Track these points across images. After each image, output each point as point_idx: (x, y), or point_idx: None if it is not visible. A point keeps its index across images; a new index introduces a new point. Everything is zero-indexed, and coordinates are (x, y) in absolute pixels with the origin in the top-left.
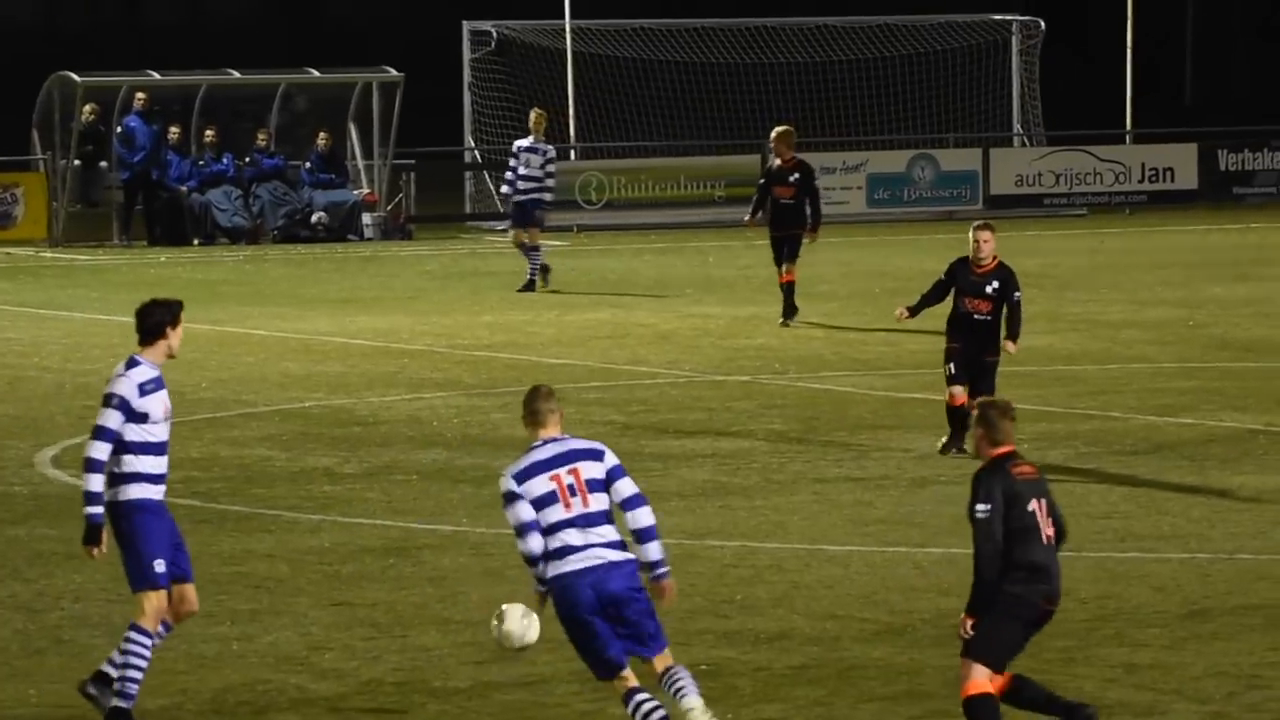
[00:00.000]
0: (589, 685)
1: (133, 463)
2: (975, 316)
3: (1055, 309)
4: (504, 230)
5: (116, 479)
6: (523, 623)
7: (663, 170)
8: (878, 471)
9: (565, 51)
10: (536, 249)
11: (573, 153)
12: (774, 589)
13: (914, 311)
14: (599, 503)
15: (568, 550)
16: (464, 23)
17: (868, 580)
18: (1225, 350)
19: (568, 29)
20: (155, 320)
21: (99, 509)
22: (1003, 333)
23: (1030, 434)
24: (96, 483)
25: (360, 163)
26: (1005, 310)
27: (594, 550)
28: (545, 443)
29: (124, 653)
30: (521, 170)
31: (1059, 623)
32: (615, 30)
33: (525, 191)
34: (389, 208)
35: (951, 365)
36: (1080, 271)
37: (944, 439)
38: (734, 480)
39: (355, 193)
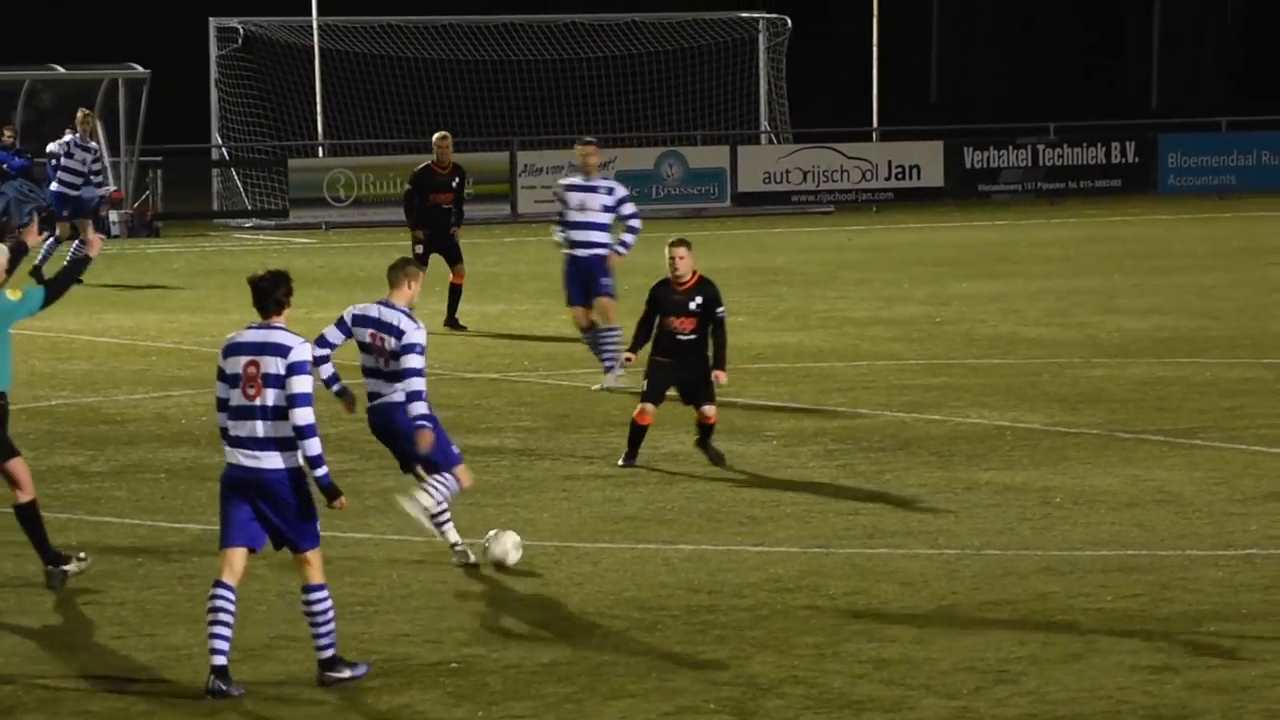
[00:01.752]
0: (336, 690)
1: None
2: (679, 336)
3: (803, 306)
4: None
5: None
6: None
7: (411, 167)
8: (627, 468)
9: (313, 48)
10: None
11: (320, 150)
12: (525, 586)
13: (635, 350)
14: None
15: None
16: (210, 19)
17: (618, 577)
18: (972, 347)
19: (315, 26)
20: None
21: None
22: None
23: (779, 431)
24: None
25: (107, 160)
26: (711, 328)
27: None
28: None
29: None
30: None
31: (808, 618)
32: (363, 27)
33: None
34: (135, 205)
35: (647, 382)
36: (828, 269)
37: (624, 453)
38: (484, 478)
39: (101, 190)
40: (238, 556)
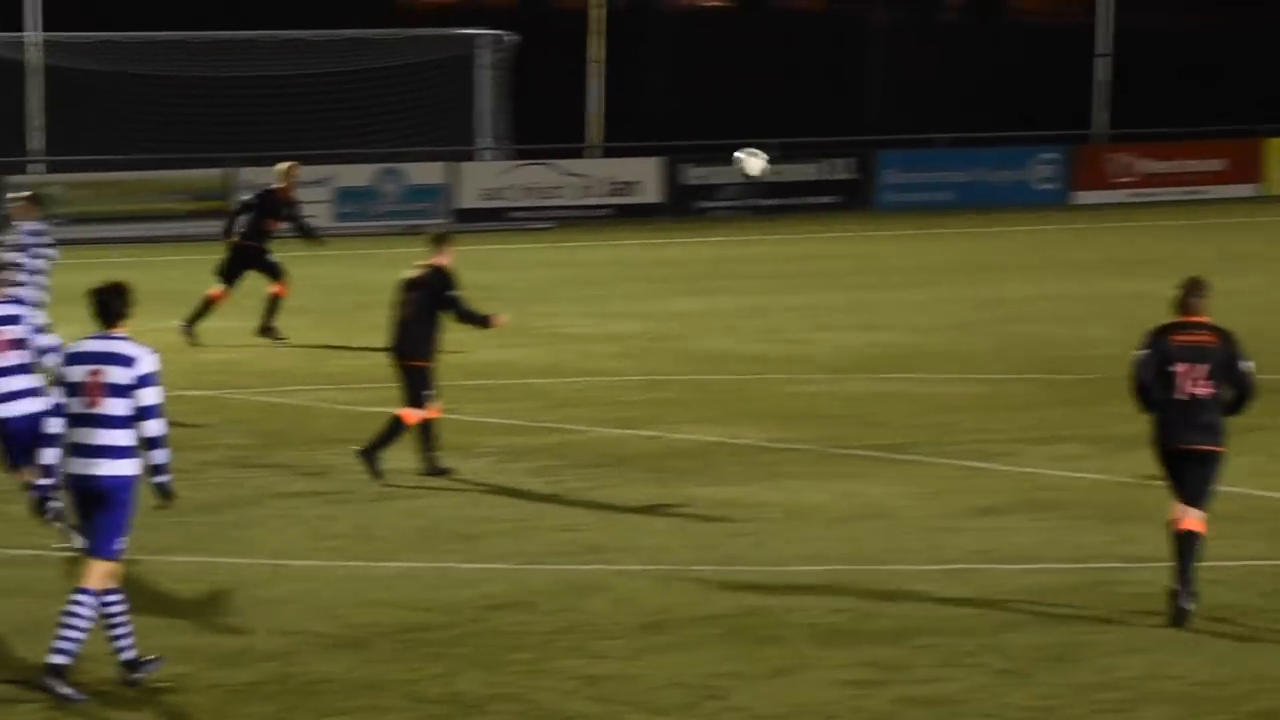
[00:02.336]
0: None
1: None
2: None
3: (520, 323)
4: None
5: None
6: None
7: (128, 184)
8: (339, 486)
9: (30, 63)
10: None
11: (39, 166)
12: (234, 604)
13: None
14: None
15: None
16: None
17: (329, 595)
18: (688, 363)
19: (33, 41)
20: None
21: None
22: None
23: (494, 447)
24: None
25: None
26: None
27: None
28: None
29: None
30: None
31: (518, 635)
32: (84, 43)
33: None
34: None
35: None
36: (545, 285)
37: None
38: (196, 495)
39: None
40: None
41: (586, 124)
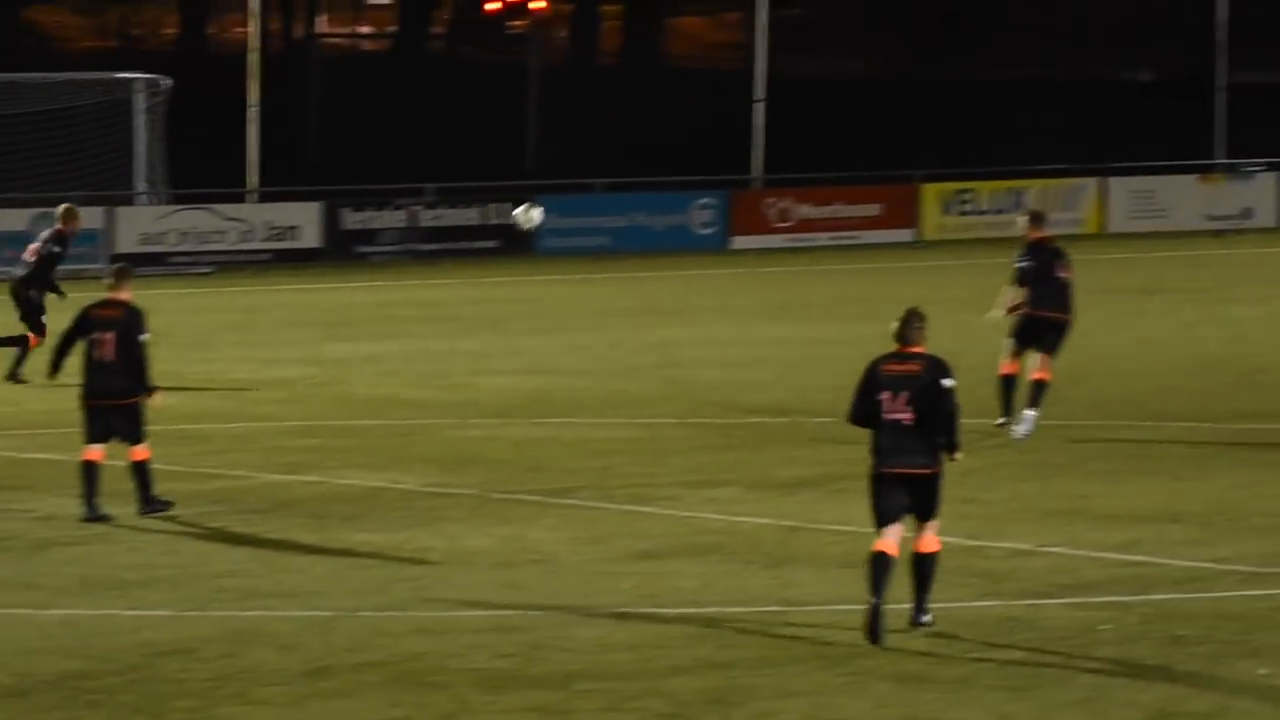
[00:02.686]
0: None
1: None
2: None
3: (179, 369)
4: None
5: None
6: None
7: None
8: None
9: None
10: None
11: None
12: None
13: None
14: None
15: None
16: None
17: None
18: (349, 408)
19: None
20: None
21: None
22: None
23: (157, 493)
24: None
25: None
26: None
27: None
28: None
29: None
30: None
31: (181, 682)
32: None
33: None
34: None
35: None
36: (205, 330)
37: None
38: None
39: None
40: None
41: (245, 168)
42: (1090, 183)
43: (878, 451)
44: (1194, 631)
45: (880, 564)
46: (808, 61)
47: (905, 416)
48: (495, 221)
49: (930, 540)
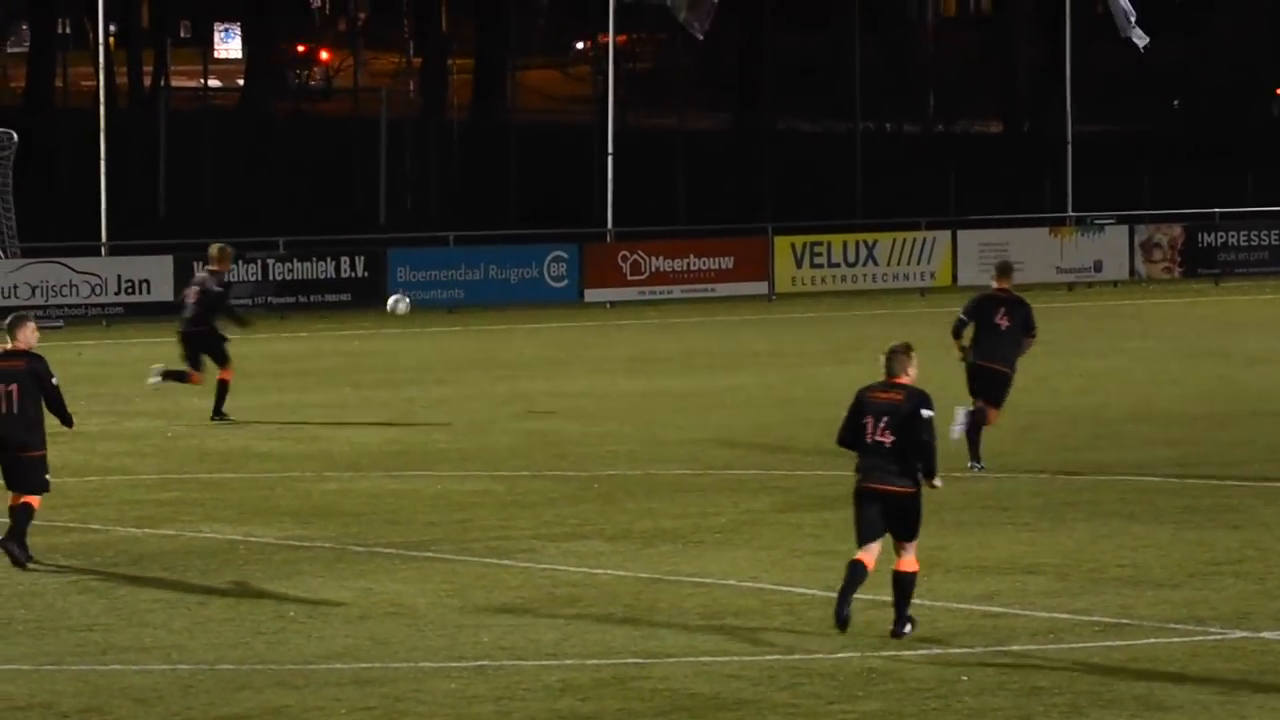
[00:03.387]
0: None
1: None
2: None
3: None
4: None
5: None
6: None
7: None
8: None
9: None
10: None
11: None
12: None
13: None
14: None
15: None
16: None
17: None
18: (204, 461)
19: None
20: None
21: None
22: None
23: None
24: None
25: None
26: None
27: None
28: None
29: None
30: None
31: None
32: None
33: None
34: None
35: None
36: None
37: None
38: None
39: None
40: None
41: (97, 222)
42: (943, 235)
43: (860, 470)
44: (1052, 683)
45: (855, 571)
46: (660, 115)
47: (886, 440)
48: (347, 275)
49: (909, 561)
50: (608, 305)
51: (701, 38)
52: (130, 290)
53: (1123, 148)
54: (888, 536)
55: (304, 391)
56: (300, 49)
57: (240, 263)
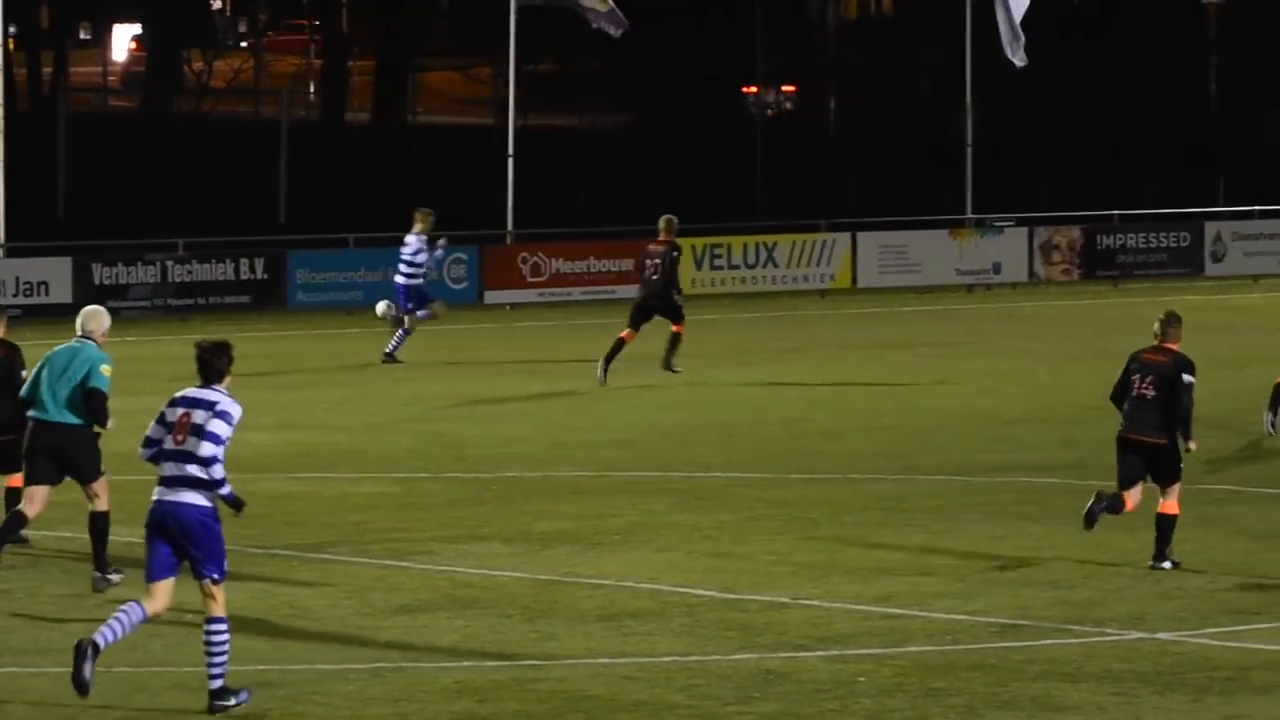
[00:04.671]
0: None
1: None
2: None
3: None
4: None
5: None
6: None
7: None
8: None
9: None
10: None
11: None
12: None
13: None
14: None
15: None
16: None
17: None
18: (104, 462)
19: None
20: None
21: None
22: None
23: None
24: None
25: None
26: None
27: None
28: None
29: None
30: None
31: None
32: None
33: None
34: None
35: None
36: None
37: None
38: None
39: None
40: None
41: None
42: (843, 237)
43: (1123, 420)
44: (949, 683)
45: (1115, 500)
46: (558, 116)
47: (1148, 394)
48: (247, 276)
49: (1171, 505)
50: (508, 307)
51: (618, 35)
52: (29, 292)
53: (1022, 150)
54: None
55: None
56: (201, 50)
57: (139, 264)
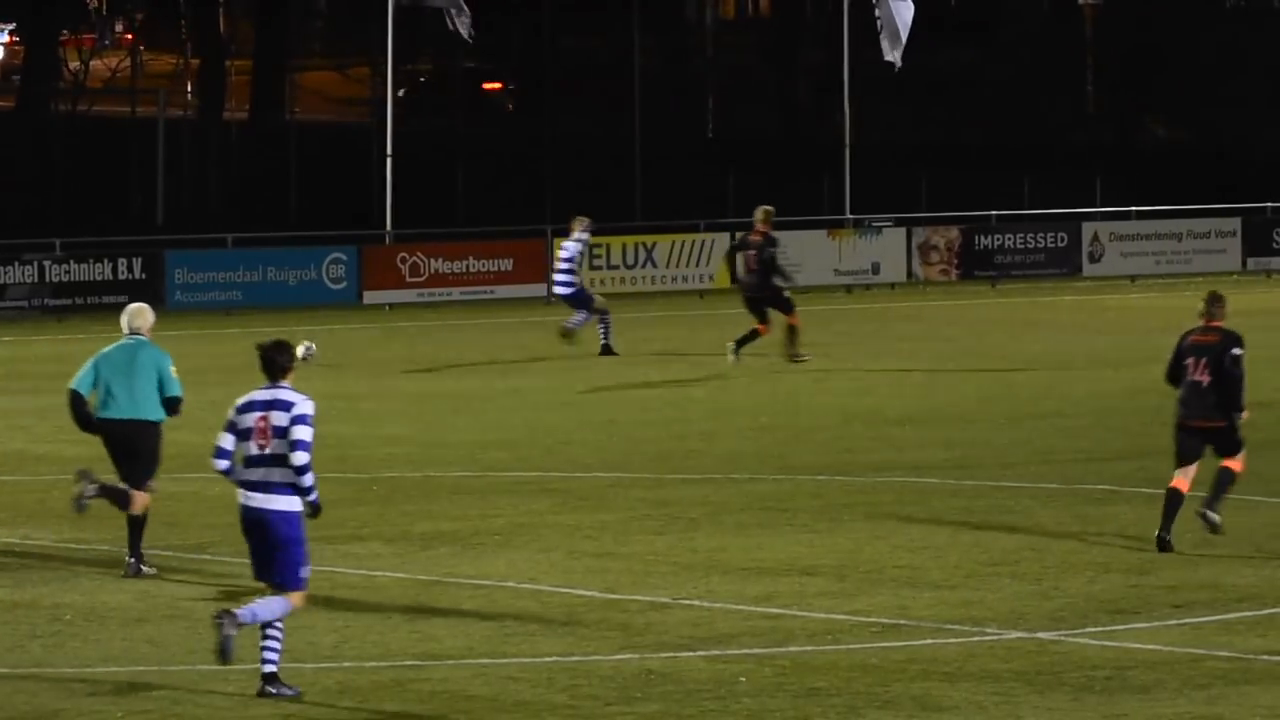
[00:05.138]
0: None
1: None
2: None
3: None
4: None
5: None
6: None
7: None
8: None
9: None
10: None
11: None
12: None
13: None
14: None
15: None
16: None
17: None
18: None
19: None
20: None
21: None
22: None
23: None
24: None
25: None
26: None
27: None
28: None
29: None
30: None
31: None
32: None
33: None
34: None
35: None
36: None
37: None
38: None
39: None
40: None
41: None
42: (721, 237)
43: (1180, 404)
44: (830, 683)
45: (1172, 497)
46: (433, 118)
47: (1204, 379)
48: (125, 276)
49: (1235, 462)
50: (387, 307)
51: (470, 40)
52: None
53: (900, 150)
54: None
55: None
56: (77, 48)
57: (16, 264)
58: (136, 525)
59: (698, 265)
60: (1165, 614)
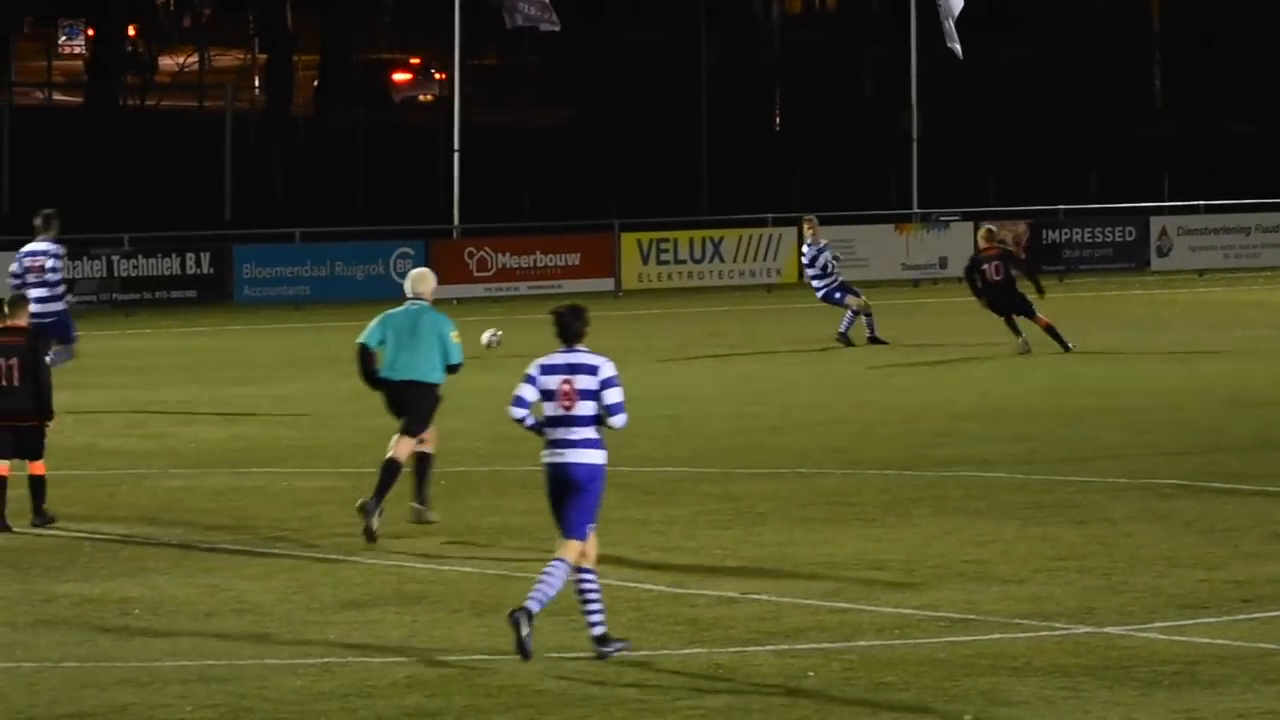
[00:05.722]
0: None
1: None
2: None
3: None
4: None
5: None
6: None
7: None
8: None
9: None
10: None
11: None
12: None
13: None
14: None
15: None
16: None
17: None
18: (48, 458)
19: None
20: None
21: None
22: None
23: None
24: None
25: None
26: None
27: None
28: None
29: None
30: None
31: None
32: None
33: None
34: None
35: None
36: None
37: None
38: None
39: None
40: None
41: None
42: (789, 232)
43: None
44: (898, 678)
45: None
46: (502, 112)
47: None
48: (193, 271)
49: None
50: (454, 302)
51: (558, 29)
52: None
53: (968, 145)
54: None
55: (149, 389)
56: (145, 45)
57: (85, 259)
58: (424, 470)
59: (765, 260)
60: (1234, 608)
